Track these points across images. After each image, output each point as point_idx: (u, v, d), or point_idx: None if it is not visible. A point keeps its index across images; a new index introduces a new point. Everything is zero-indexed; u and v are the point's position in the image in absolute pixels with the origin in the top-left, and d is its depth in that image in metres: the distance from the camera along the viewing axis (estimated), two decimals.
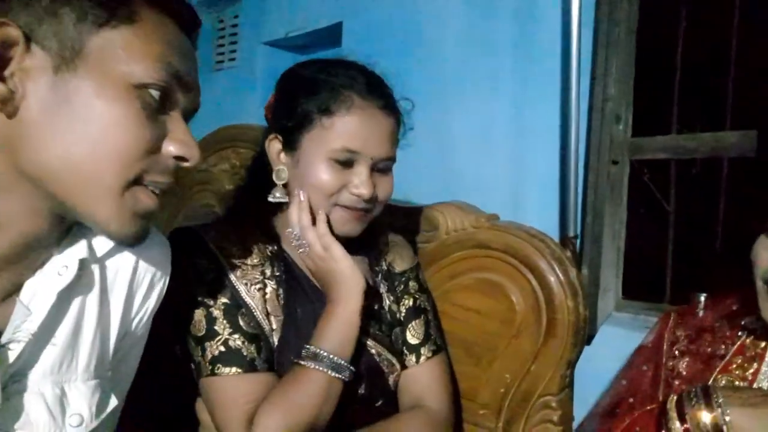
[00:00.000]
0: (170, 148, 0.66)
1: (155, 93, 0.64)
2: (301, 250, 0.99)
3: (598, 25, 1.58)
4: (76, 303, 0.70)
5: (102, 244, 0.72)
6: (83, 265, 0.68)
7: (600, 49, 1.56)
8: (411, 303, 1.11)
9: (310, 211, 0.98)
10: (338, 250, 0.96)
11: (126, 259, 0.76)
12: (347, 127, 0.94)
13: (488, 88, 1.85)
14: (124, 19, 0.62)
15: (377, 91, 0.97)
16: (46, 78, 0.59)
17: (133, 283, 0.77)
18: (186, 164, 0.68)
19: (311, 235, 0.97)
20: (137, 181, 0.64)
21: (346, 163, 0.95)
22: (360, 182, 0.95)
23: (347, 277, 0.96)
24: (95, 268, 0.72)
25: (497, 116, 1.83)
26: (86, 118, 0.60)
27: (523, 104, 1.79)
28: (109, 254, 0.74)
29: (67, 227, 0.68)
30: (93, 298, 0.72)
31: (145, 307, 0.80)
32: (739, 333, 1.00)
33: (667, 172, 1.77)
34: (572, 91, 1.57)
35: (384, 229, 1.16)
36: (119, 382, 0.80)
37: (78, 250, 0.69)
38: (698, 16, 1.63)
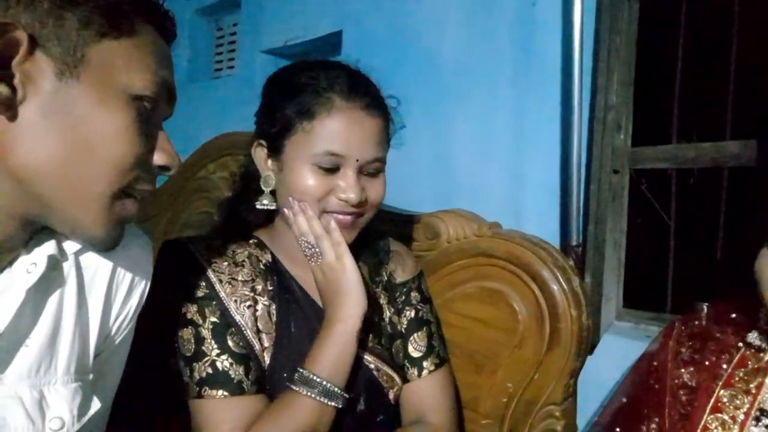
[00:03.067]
0: (156, 158, 0.68)
1: (147, 105, 0.65)
2: (312, 260, 0.96)
3: (600, 34, 1.58)
4: (52, 304, 0.69)
5: (72, 242, 0.72)
6: (52, 262, 0.68)
7: (601, 59, 1.56)
8: (413, 314, 1.08)
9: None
10: (350, 262, 0.93)
11: (104, 259, 0.75)
12: (329, 130, 0.91)
13: (488, 96, 1.85)
14: (125, 31, 0.63)
15: (360, 91, 0.94)
16: (49, 82, 0.59)
17: (112, 284, 0.76)
18: (167, 173, 0.71)
19: (326, 244, 0.93)
20: (125, 191, 0.65)
21: (332, 168, 0.92)
22: (347, 186, 0.92)
23: (352, 292, 0.92)
24: (69, 268, 0.71)
25: (497, 124, 1.83)
26: (86, 126, 0.61)
27: (523, 113, 1.79)
28: (81, 252, 0.73)
29: (31, 232, 0.68)
30: (71, 298, 0.71)
31: (126, 309, 0.79)
32: (740, 344, 0.99)
33: (664, 182, 1.77)
34: (574, 100, 1.57)
35: (385, 237, 1.13)
36: (103, 385, 0.79)
37: (46, 248, 0.68)
38: (698, 26, 1.64)
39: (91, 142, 0.61)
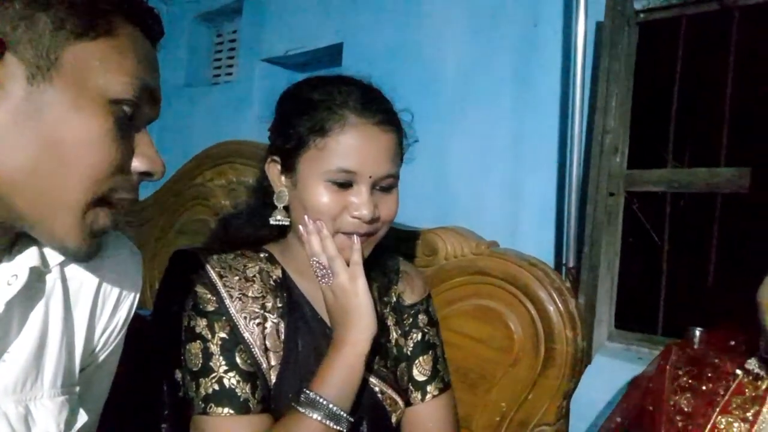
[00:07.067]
0: (137, 164, 0.65)
1: (127, 109, 0.62)
2: (323, 281, 0.95)
3: (599, 58, 1.60)
4: (37, 316, 0.67)
5: (55, 253, 0.69)
6: (35, 274, 0.66)
7: (600, 83, 1.57)
8: (419, 337, 1.08)
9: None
10: (363, 285, 0.92)
11: (91, 271, 0.73)
12: (342, 147, 0.90)
13: (488, 115, 1.86)
14: (102, 32, 0.60)
15: (373, 107, 0.93)
16: (20, 87, 0.57)
17: (98, 297, 0.74)
18: (151, 179, 0.67)
19: (340, 265, 0.92)
20: (103, 200, 0.63)
21: (345, 185, 0.91)
22: (360, 203, 0.91)
23: (363, 315, 0.91)
24: (54, 280, 0.69)
25: (496, 142, 1.84)
26: (59, 132, 0.58)
27: (522, 132, 1.80)
28: (66, 263, 0.70)
29: (13, 237, 0.66)
30: (57, 311, 0.69)
31: (114, 322, 0.77)
32: (738, 371, 0.99)
33: (656, 203, 1.78)
34: (573, 122, 1.58)
35: (395, 256, 1.13)
36: (90, 397, 0.78)
37: (28, 258, 0.66)
38: (696, 53, 1.66)
39: (65, 149, 0.58)
